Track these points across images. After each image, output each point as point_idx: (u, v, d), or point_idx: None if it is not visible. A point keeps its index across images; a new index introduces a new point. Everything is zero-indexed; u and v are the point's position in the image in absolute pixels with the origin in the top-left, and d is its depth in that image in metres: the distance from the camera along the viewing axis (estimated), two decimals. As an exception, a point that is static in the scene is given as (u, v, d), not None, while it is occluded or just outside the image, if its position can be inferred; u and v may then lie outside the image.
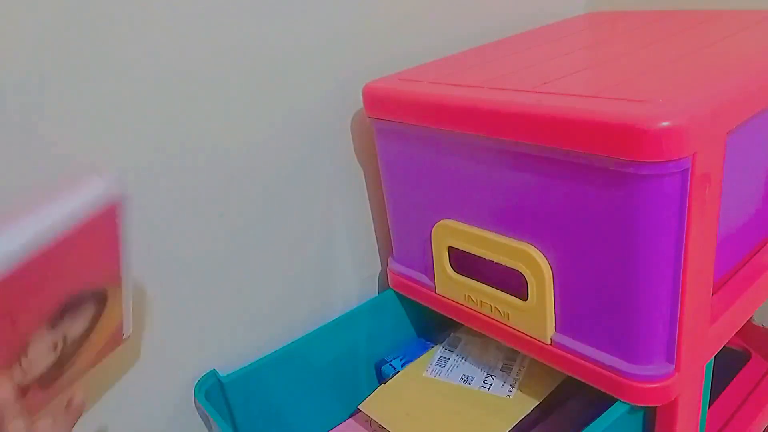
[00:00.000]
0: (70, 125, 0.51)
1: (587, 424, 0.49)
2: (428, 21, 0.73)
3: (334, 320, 0.70)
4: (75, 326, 0.47)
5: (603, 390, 0.52)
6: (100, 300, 0.48)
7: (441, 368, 0.69)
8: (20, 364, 0.43)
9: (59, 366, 0.48)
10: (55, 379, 0.48)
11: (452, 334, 0.73)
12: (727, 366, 0.74)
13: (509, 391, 0.63)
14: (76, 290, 0.45)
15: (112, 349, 0.54)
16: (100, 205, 0.43)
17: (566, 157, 0.46)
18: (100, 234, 0.45)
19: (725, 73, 0.49)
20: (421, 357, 0.71)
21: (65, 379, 0.49)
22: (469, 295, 0.61)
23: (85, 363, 0.51)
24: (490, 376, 0.66)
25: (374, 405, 0.66)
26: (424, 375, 0.68)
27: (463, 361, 0.69)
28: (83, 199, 0.42)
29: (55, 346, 0.46)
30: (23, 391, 0.44)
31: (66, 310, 0.45)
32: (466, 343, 0.71)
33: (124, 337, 0.54)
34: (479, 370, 0.67)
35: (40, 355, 0.45)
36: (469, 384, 0.65)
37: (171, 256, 0.60)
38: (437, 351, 0.71)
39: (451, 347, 0.71)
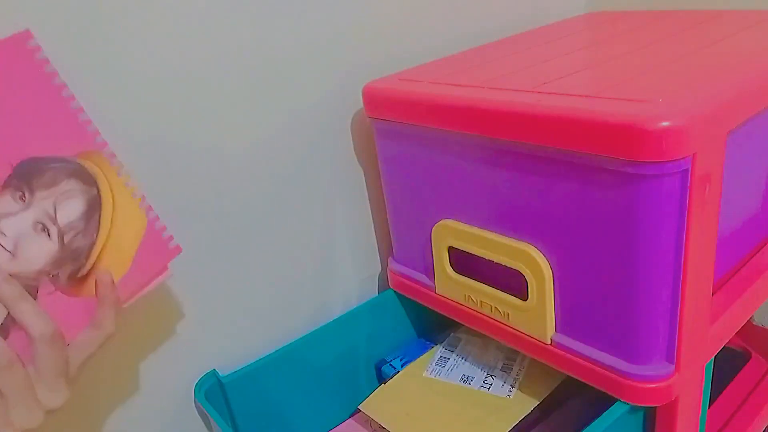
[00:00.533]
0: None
1: (587, 424, 0.49)
2: (428, 21, 0.73)
3: (334, 320, 0.70)
4: (65, 209, 0.44)
5: (603, 390, 0.52)
6: (86, 180, 0.45)
7: (441, 368, 0.69)
8: None
9: (74, 262, 0.45)
10: (80, 281, 0.45)
11: (452, 334, 0.73)
12: (727, 366, 0.74)
13: (509, 391, 0.63)
14: (28, 154, 0.43)
15: (159, 267, 0.49)
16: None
17: (566, 157, 0.46)
18: (19, 81, 0.43)
19: (725, 73, 0.49)
20: (421, 357, 0.71)
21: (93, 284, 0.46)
22: (469, 295, 0.61)
23: (117, 264, 0.47)
24: (490, 376, 0.66)
25: (374, 405, 0.66)
26: (424, 375, 0.68)
27: (463, 361, 0.69)
28: None
29: (44, 229, 0.43)
30: (32, 284, 0.43)
31: (29, 180, 0.43)
32: (466, 343, 0.71)
33: (171, 245, 0.49)
34: (479, 370, 0.67)
35: (22, 235, 0.42)
36: (469, 384, 0.65)
37: (171, 256, 0.60)
38: (437, 351, 0.71)
39: (451, 347, 0.71)
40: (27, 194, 0.43)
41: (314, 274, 0.72)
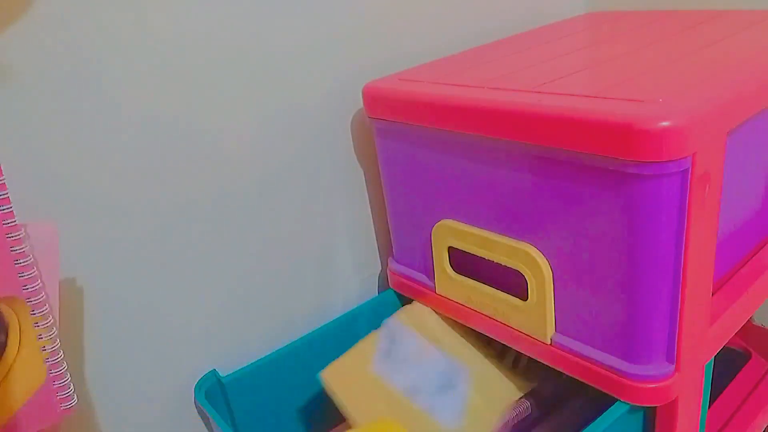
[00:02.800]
0: (68, 123, 0.51)
1: (587, 424, 0.49)
2: (428, 21, 0.73)
3: (334, 320, 0.70)
4: None
5: (603, 390, 0.52)
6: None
7: (387, 363, 0.62)
8: None
9: None
10: None
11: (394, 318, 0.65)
12: (727, 366, 0.74)
13: (457, 419, 0.57)
14: None
15: (44, 424, 0.48)
16: None
17: (566, 157, 0.46)
18: None
19: (725, 73, 0.49)
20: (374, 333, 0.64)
21: None
22: (469, 295, 0.61)
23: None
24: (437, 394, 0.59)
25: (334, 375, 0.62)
26: (369, 370, 0.62)
27: (407, 363, 0.62)
28: None
29: None
30: None
31: None
32: (406, 335, 0.64)
33: (64, 406, 0.49)
34: (425, 380, 0.60)
35: None
36: (415, 399, 0.59)
37: (171, 257, 0.60)
38: (381, 338, 0.64)
39: (393, 337, 0.64)
40: None
41: (314, 274, 0.72)
